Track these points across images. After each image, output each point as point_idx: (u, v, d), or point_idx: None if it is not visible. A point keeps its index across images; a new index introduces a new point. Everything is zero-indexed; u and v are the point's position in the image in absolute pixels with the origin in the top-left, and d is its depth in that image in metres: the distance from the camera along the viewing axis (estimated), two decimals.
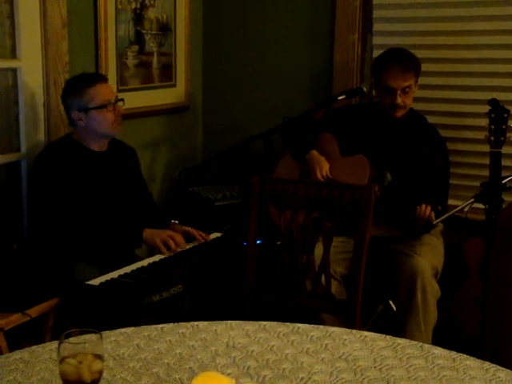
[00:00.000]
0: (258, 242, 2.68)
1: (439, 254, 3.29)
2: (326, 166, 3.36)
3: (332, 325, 2.01)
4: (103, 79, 3.07)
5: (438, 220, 2.82)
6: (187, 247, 3.02)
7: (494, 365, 1.66)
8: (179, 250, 2.98)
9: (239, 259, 2.89)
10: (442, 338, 3.17)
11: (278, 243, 2.82)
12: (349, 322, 2.47)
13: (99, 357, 1.43)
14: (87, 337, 1.44)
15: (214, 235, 3.24)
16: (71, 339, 1.42)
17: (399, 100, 3.26)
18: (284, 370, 1.66)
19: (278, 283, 2.64)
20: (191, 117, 4.28)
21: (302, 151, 3.44)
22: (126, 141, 3.32)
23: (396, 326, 3.09)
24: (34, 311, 2.61)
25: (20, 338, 2.77)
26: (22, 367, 1.66)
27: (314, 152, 3.40)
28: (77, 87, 2.98)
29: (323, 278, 2.61)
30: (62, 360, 1.41)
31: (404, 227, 3.22)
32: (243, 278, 2.64)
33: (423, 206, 3.09)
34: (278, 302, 2.66)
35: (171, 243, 2.95)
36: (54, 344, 1.78)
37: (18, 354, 1.72)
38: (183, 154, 4.23)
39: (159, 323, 1.92)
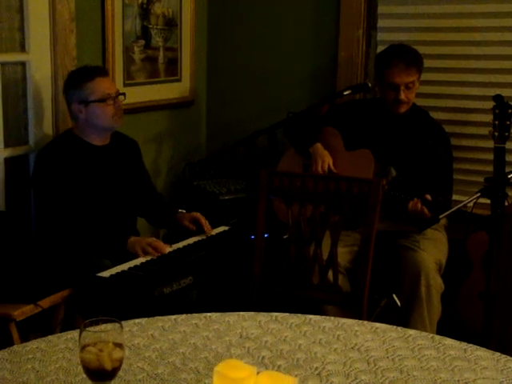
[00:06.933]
0: (265, 235, 2.70)
1: (443, 248, 3.31)
2: (328, 160, 3.37)
3: (336, 317, 2.03)
4: (103, 73, 3.08)
5: (444, 215, 2.83)
6: (170, 250, 2.97)
7: (504, 355, 1.69)
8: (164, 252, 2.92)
9: (246, 252, 2.91)
10: (445, 332, 3.19)
11: (285, 237, 2.84)
12: (356, 315, 2.48)
13: (120, 345, 1.44)
14: (108, 325, 1.45)
15: (221, 228, 3.27)
16: (92, 328, 1.44)
17: (403, 96, 3.29)
18: (298, 360, 1.69)
19: (286, 276, 2.66)
20: (196, 111, 4.30)
21: (306, 144, 3.45)
22: (131, 135, 3.34)
23: (400, 319, 3.11)
24: (45, 302, 2.62)
25: (26, 331, 2.78)
26: (40, 356, 1.68)
27: (319, 145, 3.41)
28: (77, 80, 3.00)
29: (330, 271, 2.63)
30: (82, 348, 1.43)
31: (408, 222, 3.24)
32: (250, 270, 2.66)
33: (415, 199, 3.12)
34: (285, 295, 2.69)
35: (150, 250, 2.89)
36: (70, 334, 1.81)
37: (34, 344, 1.75)
38: (188, 148, 4.25)
39: (168, 315, 1.94)
